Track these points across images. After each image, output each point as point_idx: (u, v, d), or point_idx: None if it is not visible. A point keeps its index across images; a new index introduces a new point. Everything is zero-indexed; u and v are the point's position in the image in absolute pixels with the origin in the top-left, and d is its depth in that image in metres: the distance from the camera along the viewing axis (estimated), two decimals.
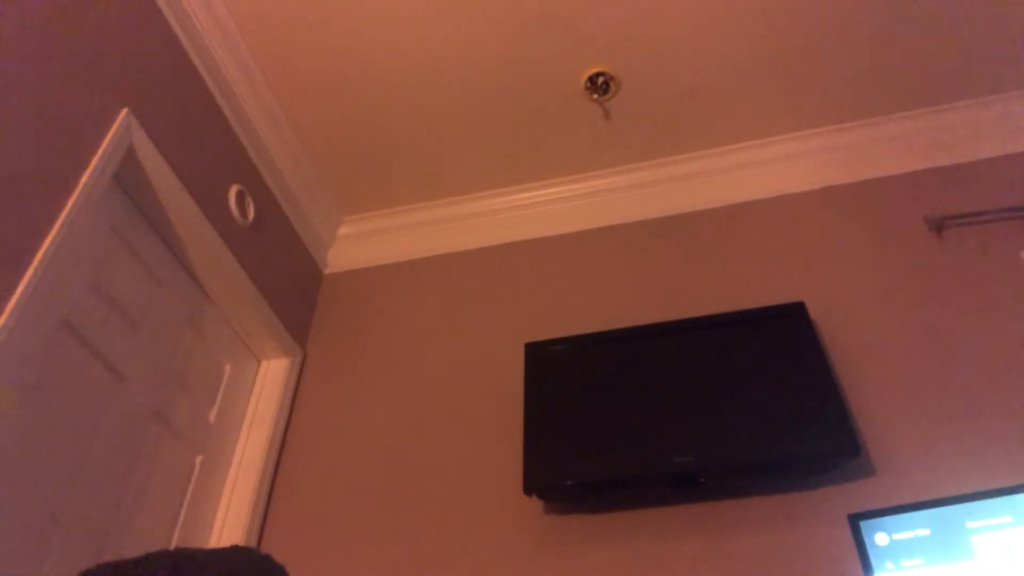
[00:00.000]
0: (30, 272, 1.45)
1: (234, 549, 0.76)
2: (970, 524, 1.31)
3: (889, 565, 1.31)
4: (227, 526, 1.99)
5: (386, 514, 2.00)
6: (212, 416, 2.10)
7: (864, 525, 1.35)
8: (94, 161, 1.63)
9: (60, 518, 1.54)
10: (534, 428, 1.89)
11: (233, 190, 2.15)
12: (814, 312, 2.06)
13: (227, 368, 2.21)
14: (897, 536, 1.33)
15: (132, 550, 1.72)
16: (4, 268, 1.41)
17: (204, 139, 2.07)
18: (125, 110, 1.75)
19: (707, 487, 1.80)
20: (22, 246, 1.45)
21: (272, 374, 2.33)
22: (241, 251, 2.14)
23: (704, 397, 1.82)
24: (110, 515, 1.68)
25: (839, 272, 2.15)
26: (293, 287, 2.45)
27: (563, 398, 1.92)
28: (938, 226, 2.16)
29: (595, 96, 2.29)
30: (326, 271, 2.68)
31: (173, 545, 1.86)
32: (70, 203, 1.56)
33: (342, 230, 2.73)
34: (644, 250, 2.39)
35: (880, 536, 1.33)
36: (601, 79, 2.25)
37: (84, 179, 1.60)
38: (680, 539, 1.78)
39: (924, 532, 1.32)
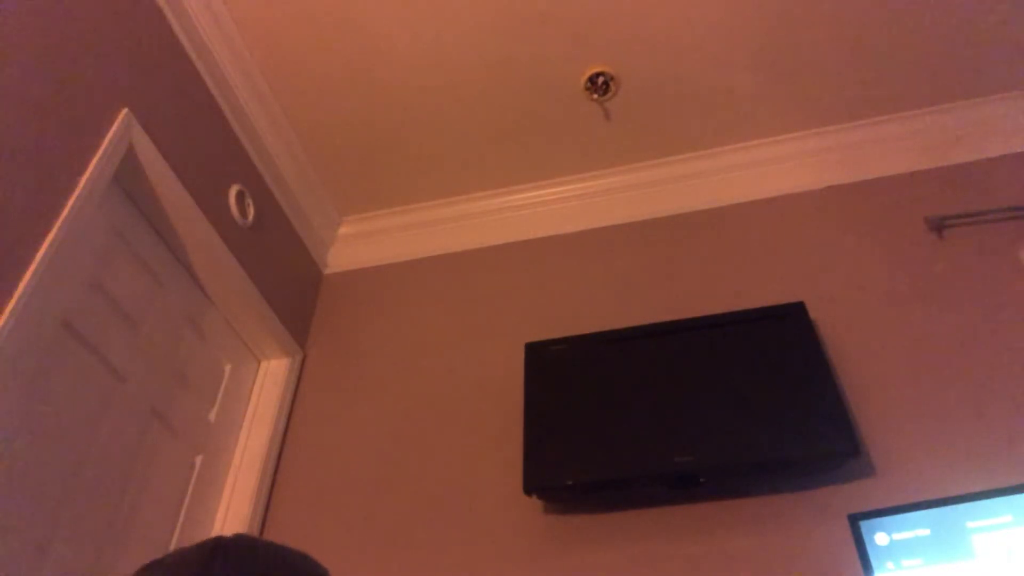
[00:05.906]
0: (30, 272, 1.45)
1: (303, 555, 0.74)
2: (970, 524, 1.31)
3: (889, 565, 1.31)
4: (227, 526, 1.99)
5: (386, 514, 2.00)
6: (212, 416, 2.10)
7: (864, 525, 1.35)
8: (94, 161, 1.63)
9: (60, 518, 1.54)
10: (534, 428, 1.89)
11: (233, 190, 2.15)
12: (814, 312, 2.06)
13: (227, 368, 2.21)
14: (897, 536, 1.32)
15: (132, 550, 1.72)
16: (4, 268, 1.41)
17: (204, 139, 2.07)
18: (125, 110, 1.75)
19: (707, 487, 1.80)
20: (22, 246, 1.45)
21: (272, 374, 2.33)
22: (241, 251, 2.14)
23: (704, 397, 1.82)
24: (110, 515, 1.68)
25: (839, 272, 2.15)
26: (293, 287, 2.45)
27: (563, 398, 1.92)
28: (938, 226, 2.16)
29: (595, 96, 2.29)
30: (326, 271, 2.68)
31: (173, 545, 1.86)
32: (70, 203, 1.56)
33: (342, 230, 2.73)
34: (644, 250, 2.39)
35: (880, 536, 1.33)
36: (601, 79, 2.25)
37: (84, 179, 1.60)
38: (680, 539, 1.78)
39: (924, 532, 1.32)
